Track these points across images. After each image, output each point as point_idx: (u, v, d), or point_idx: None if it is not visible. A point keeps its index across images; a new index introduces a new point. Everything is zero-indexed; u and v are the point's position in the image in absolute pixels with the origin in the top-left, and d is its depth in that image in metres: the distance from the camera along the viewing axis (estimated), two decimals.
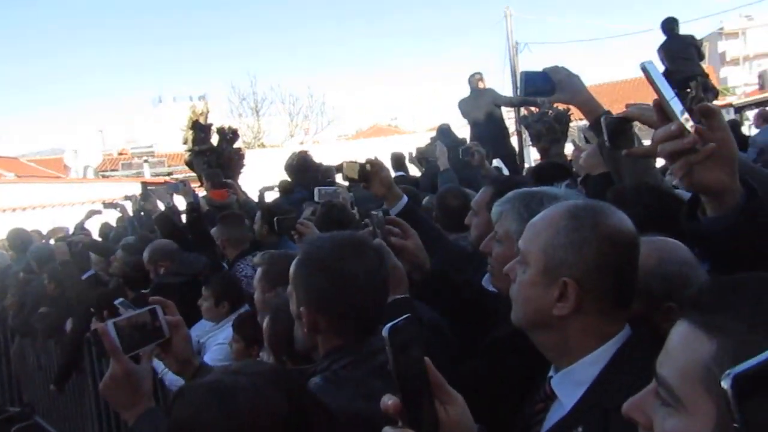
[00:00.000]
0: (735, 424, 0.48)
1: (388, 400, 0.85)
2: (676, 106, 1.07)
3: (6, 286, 6.16)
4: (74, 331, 4.75)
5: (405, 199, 2.57)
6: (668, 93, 1.08)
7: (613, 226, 1.26)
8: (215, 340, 3.50)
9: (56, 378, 5.31)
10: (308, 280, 1.51)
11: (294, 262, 1.58)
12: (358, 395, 1.36)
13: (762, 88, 27.61)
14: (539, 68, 1.88)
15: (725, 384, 0.49)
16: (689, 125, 1.04)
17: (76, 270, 4.82)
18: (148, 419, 1.50)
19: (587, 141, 2.95)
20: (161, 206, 5.47)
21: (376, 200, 3.02)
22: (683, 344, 0.74)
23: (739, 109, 19.63)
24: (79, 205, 13.21)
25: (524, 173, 6.93)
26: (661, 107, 1.09)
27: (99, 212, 7.24)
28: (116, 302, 3.95)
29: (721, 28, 44.69)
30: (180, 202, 5.44)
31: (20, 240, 6.96)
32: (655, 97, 1.09)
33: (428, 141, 7.69)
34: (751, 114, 14.39)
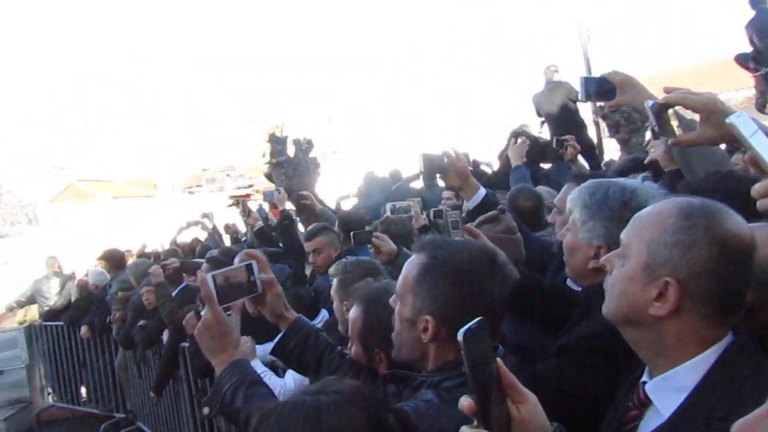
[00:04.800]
0: None
1: (464, 401, 0.87)
2: None
3: (109, 302, 6.59)
4: (170, 342, 5.01)
5: (483, 191, 2.51)
6: (761, 145, 1.04)
7: (728, 230, 1.17)
8: None
9: (154, 385, 5.62)
10: (440, 290, 1.43)
11: (417, 265, 1.49)
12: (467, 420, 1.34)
13: None
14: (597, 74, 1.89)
15: None
16: None
17: (168, 290, 5.10)
18: (237, 368, 1.58)
19: (654, 135, 2.86)
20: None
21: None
22: None
23: None
24: (169, 221, 13.93)
25: (603, 166, 6.71)
26: (755, 162, 1.04)
27: (186, 228, 7.61)
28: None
29: None
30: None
31: (115, 258, 7.44)
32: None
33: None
34: None
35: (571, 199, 1.78)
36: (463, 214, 2.21)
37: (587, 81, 1.85)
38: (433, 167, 2.52)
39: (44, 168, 29.28)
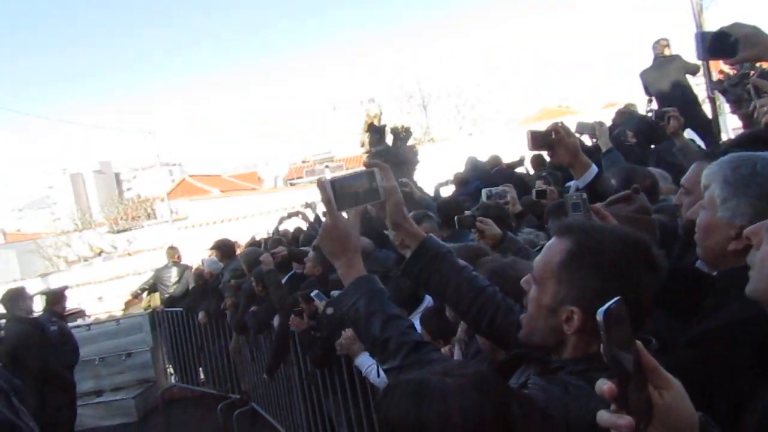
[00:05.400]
0: None
1: (603, 384, 0.84)
2: None
3: (222, 289, 6.98)
4: (281, 327, 5.23)
5: (594, 168, 2.36)
6: None
7: None
8: None
9: (267, 368, 5.89)
10: (589, 282, 1.32)
11: (563, 252, 1.38)
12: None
13: None
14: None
15: None
16: None
17: (278, 277, 5.33)
18: (365, 280, 1.62)
19: (758, 95, 2.58)
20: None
21: None
22: None
23: None
24: (273, 212, 14.53)
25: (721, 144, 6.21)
26: None
27: (287, 218, 7.83)
28: (312, 294, 4.34)
29: None
30: None
31: (227, 248, 7.84)
32: None
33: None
34: None
35: (708, 174, 1.62)
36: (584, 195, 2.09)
37: (704, 37, 1.68)
38: (540, 144, 2.41)
39: (160, 166, 31.42)
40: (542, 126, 2.47)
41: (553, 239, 1.45)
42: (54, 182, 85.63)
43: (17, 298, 6.29)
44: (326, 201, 1.63)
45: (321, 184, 1.63)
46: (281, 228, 7.69)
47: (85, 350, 7.58)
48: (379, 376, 3.59)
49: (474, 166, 7.19)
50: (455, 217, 3.50)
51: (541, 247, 1.55)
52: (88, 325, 9.37)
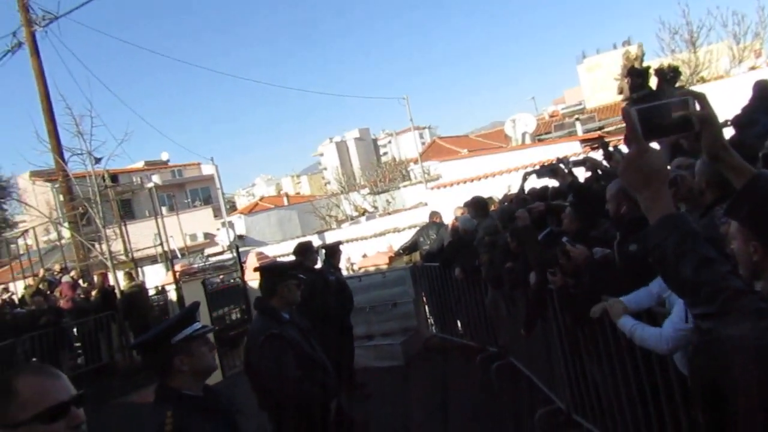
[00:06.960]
0: None
1: None
2: None
3: (477, 246, 7.16)
4: (537, 284, 5.19)
5: None
6: None
7: None
8: None
9: (524, 325, 5.91)
10: None
11: None
12: None
13: None
14: None
15: None
16: None
17: (534, 233, 5.27)
18: (672, 222, 1.45)
19: None
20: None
21: None
22: None
23: None
24: (522, 168, 14.36)
25: None
26: None
27: (531, 174, 7.54)
28: (564, 239, 4.25)
29: None
30: None
31: (481, 205, 7.97)
32: None
33: None
34: None
35: None
36: None
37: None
38: None
39: (413, 130, 33.23)
40: None
41: None
42: (323, 150, 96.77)
43: (307, 251, 7.33)
44: (631, 129, 1.50)
45: (626, 111, 1.52)
46: (527, 186, 7.48)
47: (358, 299, 8.50)
48: (645, 332, 3.37)
49: (764, 96, 5.92)
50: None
51: None
52: (359, 277, 10.47)
